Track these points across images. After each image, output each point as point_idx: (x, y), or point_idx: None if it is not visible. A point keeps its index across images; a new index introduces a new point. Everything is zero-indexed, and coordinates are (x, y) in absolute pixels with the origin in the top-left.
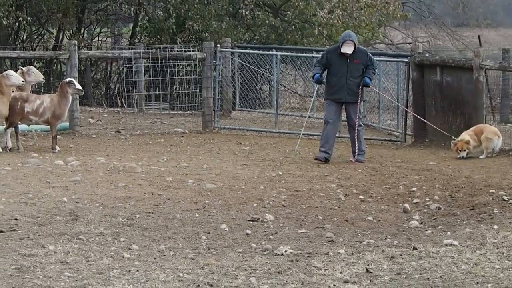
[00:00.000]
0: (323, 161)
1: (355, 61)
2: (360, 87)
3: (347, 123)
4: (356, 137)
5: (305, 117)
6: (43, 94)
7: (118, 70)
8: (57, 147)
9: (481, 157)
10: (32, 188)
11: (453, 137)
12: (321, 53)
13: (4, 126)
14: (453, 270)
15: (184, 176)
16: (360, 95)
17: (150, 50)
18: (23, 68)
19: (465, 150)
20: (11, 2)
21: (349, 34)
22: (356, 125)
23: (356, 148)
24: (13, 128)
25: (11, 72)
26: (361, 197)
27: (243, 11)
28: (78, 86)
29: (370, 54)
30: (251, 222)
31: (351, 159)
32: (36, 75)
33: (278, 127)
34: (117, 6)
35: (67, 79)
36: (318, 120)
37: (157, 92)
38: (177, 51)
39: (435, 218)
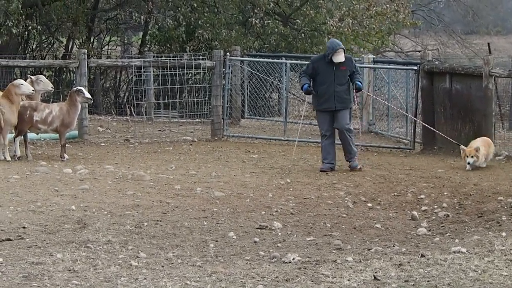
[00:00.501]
0: (329, 171)
1: (341, 68)
2: (354, 92)
3: (337, 129)
4: (348, 142)
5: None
6: (52, 102)
7: (127, 79)
8: (66, 156)
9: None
10: (41, 196)
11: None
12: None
13: (13, 135)
14: (461, 277)
15: (193, 184)
16: (351, 100)
17: (159, 59)
18: (32, 77)
19: (472, 157)
20: (21, 11)
21: (338, 42)
22: (347, 130)
23: (349, 153)
24: (22, 137)
25: (21, 81)
26: (369, 204)
27: (253, 19)
28: (87, 95)
29: (354, 61)
30: (259, 229)
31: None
32: (45, 84)
33: (287, 135)
34: (127, 15)
35: (76, 88)
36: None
37: (166, 101)
38: (187, 59)
39: (443, 226)
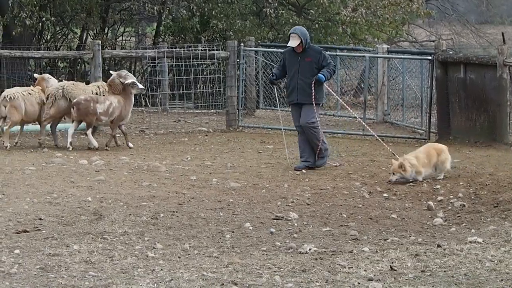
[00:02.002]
0: (304, 169)
1: (306, 59)
2: (314, 86)
3: (301, 125)
4: (311, 139)
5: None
6: None
7: (142, 70)
8: (111, 145)
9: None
10: (57, 187)
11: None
12: (344, 51)
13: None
14: (478, 267)
15: (208, 175)
16: (319, 96)
17: (174, 49)
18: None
19: (394, 174)
20: (35, 2)
21: (295, 28)
22: (309, 128)
23: (314, 152)
24: (50, 128)
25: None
26: (385, 195)
27: (267, 9)
28: (141, 86)
29: (326, 54)
30: (275, 220)
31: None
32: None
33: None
34: (141, 6)
35: (130, 81)
36: (341, 118)
37: (181, 91)
38: (201, 50)
39: (459, 216)
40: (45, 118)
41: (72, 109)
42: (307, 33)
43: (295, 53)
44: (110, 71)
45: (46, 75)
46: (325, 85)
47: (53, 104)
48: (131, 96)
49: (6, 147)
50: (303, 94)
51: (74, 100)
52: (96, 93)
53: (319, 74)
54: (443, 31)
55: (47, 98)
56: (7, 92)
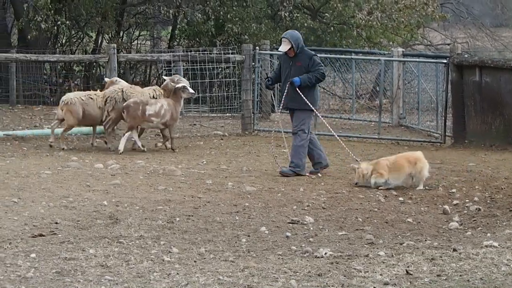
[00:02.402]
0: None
1: (297, 63)
2: (302, 91)
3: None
4: (293, 147)
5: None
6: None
7: (157, 73)
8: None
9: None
10: (72, 191)
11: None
12: (359, 54)
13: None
14: (493, 271)
15: (224, 179)
16: (312, 101)
17: (189, 53)
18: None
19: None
20: (50, 6)
21: (286, 32)
22: (295, 134)
23: (291, 158)
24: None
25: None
26: (400, 198)
27: (282, 13)
28: (191, 90)
29: (317, 59)
30: (291, 224)
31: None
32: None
33: (318, 129)
34: (156, 9)
35: (181, 85)
36: (357, 121)
37: (196, 95)
38: (216, 53)
39: (475, 220)
40: (106, 121)
41: (122, 112)
42: (300, 37)
43: (288, 58)
44: (164, 77)
45: (115, 78)
46: (315, 110)
47: (113, 108)
48: (181, 100)
49: (63, 148)
50: (292, 99)
51: (124, 104)
52: (153, 96)
53: (295, 78)
54: (458, 34)
55: (105, 102)
56: (66, 96)
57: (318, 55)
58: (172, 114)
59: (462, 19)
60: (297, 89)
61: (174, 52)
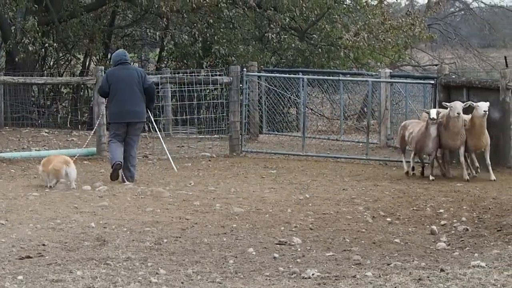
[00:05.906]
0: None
1: None
2: None
3: None
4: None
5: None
6: (70, 121)
7: None
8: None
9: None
10: (60, 213)
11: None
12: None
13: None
14: None
15: (212, 200)
16: None
17: (177, 75)
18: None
19: None
20: (38, 29)
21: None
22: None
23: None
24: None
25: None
26: (388, 219)
27: (269, 34)
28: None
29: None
30: (278, 245)
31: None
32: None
33: (305, 150)
34: (143, 31)
35: (432, 116)
36: (345, 142)
37: (184, 117)
38: (204, 75)
39: (463, 240)
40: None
41: None
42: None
43: None
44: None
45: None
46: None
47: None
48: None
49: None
50: None
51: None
52: None
53: None
54: (446, 55)
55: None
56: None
57: (306, 76)
58: (417, 142)
59: (450, 40)
60: None
61: (162, 74)
